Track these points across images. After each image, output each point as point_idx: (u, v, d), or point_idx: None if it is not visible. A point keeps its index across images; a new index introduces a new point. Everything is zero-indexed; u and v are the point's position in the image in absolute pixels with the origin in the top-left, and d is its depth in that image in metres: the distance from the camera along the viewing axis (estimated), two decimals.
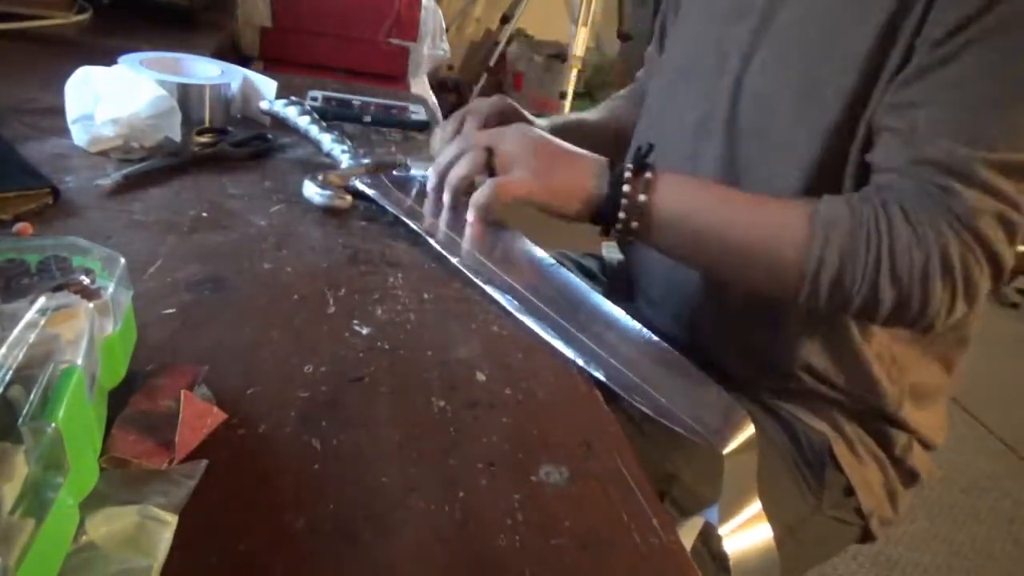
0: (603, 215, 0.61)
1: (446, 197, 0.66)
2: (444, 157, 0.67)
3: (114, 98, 0.67)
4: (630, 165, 0.60)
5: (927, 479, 0.74)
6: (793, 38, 0.64)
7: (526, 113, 0.81)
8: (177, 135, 0.72)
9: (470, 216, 0.64)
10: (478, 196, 0.63)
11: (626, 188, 0.59)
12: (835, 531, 0.70)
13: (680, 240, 0.61)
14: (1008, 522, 1.73)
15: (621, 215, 0.60)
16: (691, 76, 0.73)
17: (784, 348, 0.67)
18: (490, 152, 0.65)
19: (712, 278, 0.69)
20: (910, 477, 0.73)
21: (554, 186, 0.62)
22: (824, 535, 0.70)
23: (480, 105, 0.77)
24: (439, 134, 0.78)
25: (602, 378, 0.50)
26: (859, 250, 0.54)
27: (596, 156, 0.64)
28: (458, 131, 0.75)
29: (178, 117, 0.71)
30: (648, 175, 0.60)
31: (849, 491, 0.69)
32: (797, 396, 0.70)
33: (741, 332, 0.69)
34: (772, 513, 0.66)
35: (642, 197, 0.59)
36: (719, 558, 0.64)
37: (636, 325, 0.57)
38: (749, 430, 0.47)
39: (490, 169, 0.65)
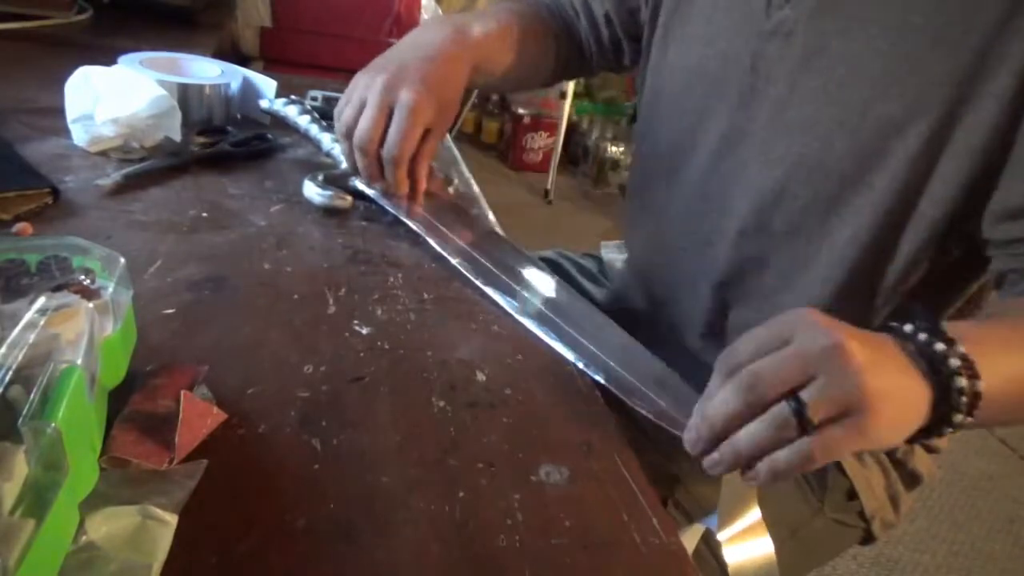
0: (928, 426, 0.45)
1: (359, 160, 0.65)
2: (344, 120, 0.64)
3: (114, 98, 0.67)
4: (943, 348, 0.43)
5: (928, 480, 0.74)
6: (850, 70, 0.57)
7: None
8: (177, 135, 0.72)
9: None
10: (783, 462, 0.40)
11: (961, 384, 0.42)
12: (837, 533, 0.70)
13: (1009, 409, 0.49)
14: (1008, 522, 1.73)
15: (957, 418, 0.43)
16: (713, 84, 0.67)
17: None
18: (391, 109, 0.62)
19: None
20: (912, 479, 0.73)
21: (884, 432, 0.41)
22: (826, 537, 0.70)
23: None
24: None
25: (602, 380, 0.49)
26: None
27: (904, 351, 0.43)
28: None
29: (178, 117, 0.71)
30: (963, 352, 0.43)
31: (851, 494, 0.68)
32: None
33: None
34: (774, 514, 0.66)
35: (978, 384, 0.43)
36: (721, 559, 0.64)
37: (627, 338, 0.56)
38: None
39: None
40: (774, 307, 0.67)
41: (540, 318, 0.56)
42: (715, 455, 0.41)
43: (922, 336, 0.43)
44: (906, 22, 0.54)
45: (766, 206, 0.63)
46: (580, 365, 0.51)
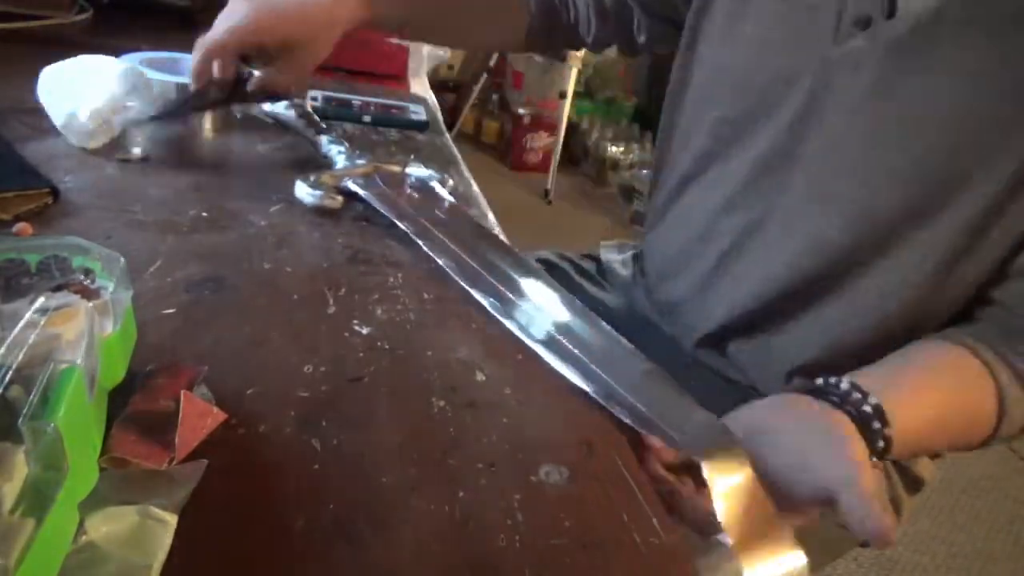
0: None
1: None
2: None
3: (88, 88, 0.67)
4: (859, 397, 0.49)
5: (929, 483, 0.74)
6: (920, 117, 0.54)
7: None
8: (152, 110, 0.71)
9: None
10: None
11: (875, 427, 0.48)
12: (838, 536, 0.70)
13: (924, 446, 0.58)
14: (1008, 522, 1.73)
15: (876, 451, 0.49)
16: (761, 98, 0.64)
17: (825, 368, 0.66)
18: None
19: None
20: (914, 484, 0.73)
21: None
22: (828, 540, 0.70)
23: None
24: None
25: (583, 386, 0.48)
26: None
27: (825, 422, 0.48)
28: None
29: (151, 90, 0.70)
30: (882, 444, 0.48)
31: None
32: None
33: (784, 357, 0.67)
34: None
35: (888, 431, 0.48)
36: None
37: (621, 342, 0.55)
38: (739, 453, 0.43)
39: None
40: (783, 332, 0.66)
41: (529, 324, 0.55)
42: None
43: (841, 388, 0.49)
44: (996, 75, 0.51)
45: (801, 246, 0.62)
46: (563, 369, 0.50)
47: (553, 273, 0.88)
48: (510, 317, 0.55)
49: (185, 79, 0.75)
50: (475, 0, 0.80)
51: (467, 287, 0.57)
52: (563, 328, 0.55)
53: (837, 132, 0.58)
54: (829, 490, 0.44)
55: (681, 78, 0.73)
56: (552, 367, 0.51)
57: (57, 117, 0.67)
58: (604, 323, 0.56)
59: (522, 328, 0.54)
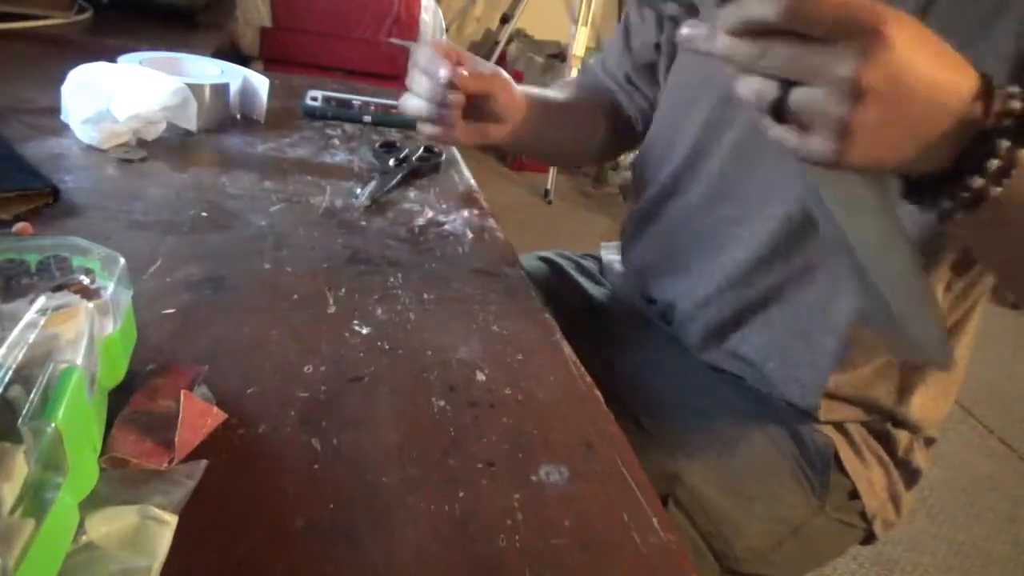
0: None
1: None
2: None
3: (129, 93, 0.68)
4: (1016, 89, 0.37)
5: (925, 473, 0.74)
6: None
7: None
8: (193, 125, 0.73)
9: None
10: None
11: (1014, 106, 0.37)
12: (838, 532, 0.70)
13: None
14: (1008, 522, 1.73)
15: (1000, 151, 0.37)
16: (724, 92, 0.66)
17: (824, 370, 0.66)
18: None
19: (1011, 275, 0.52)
20: (912, 477, 0.73)
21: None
22: (827, 536, 0.70)
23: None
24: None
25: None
26: None
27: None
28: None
29: (194, 107, 0.72)
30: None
31: (853, 494, 0.69)
32: None
33: (790, 357, 0.67)
34: (775, 512, 0.66)
35: None
36: (721, 558, 0.64)
37: None
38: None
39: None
40: (785, 316, 0.67)
41: None
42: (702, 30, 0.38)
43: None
44: None
45: (779, 232, 0.63)
46: None
47: (554, 269, 0.88)
48: None
49: (185, 80, 0.75)
50: (566, 124, 0.83)
51: None
52: None
53: None
54: None
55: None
56: (553, 366, 0.51)
57: (80, 112, 0.68)
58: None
59: None
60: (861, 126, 0.35)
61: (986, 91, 0.37)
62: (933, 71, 0.36)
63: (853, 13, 0.34)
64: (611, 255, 0.91)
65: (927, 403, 0.69)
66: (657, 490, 0.59)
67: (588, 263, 0.92)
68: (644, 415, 0.67)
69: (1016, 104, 0.36)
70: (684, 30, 0.39)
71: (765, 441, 0.67)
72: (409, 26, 2.01)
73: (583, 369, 0.52)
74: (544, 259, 0.90)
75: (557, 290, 0.85)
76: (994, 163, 0.37)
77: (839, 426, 0.69)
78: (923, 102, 0.36)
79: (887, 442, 0.71)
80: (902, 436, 0.71)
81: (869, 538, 0.72)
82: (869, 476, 0.69)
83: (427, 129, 0.66)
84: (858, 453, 0.69)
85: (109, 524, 0.31)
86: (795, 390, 0.67)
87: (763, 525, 0.65)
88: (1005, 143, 0.36)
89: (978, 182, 0.37)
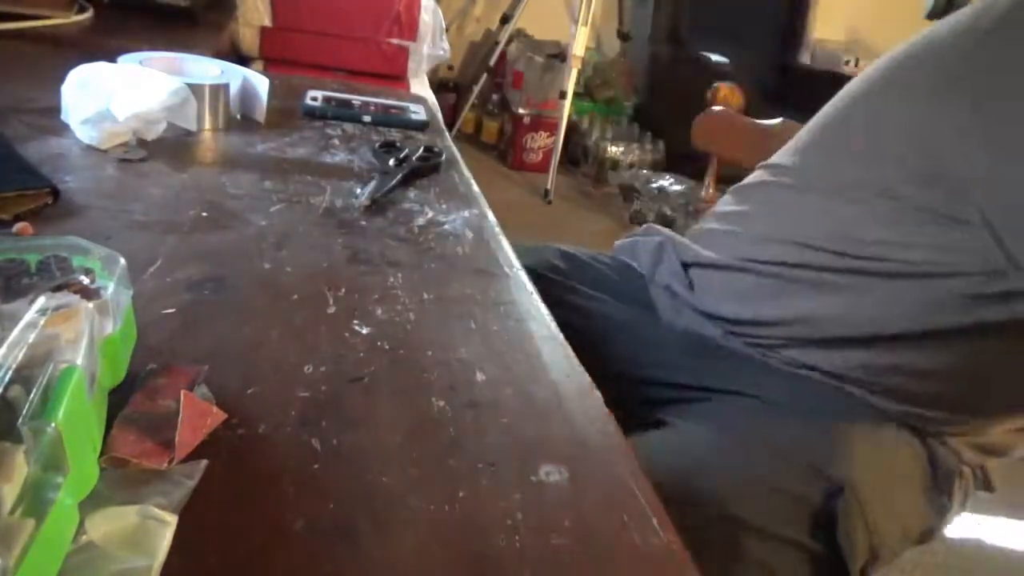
0: None
1: None
2: None
3: (130, 92, 0.68)
4: None
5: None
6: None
7: None
8: (193, 125, 0.73)
9: None
10: None
11: None
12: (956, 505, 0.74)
13: None
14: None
15: None
16: None
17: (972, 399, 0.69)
18: None
19: None
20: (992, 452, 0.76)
21: None
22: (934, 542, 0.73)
23: None
24: None
25: None
26: None
27: None
28: None
29: (194, 107, 0.72)
30: None
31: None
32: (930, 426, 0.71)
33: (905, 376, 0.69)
34: (907, 521, 0.68)
35: None
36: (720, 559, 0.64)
37: None
38: None
39: None
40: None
41: None
42: None
43: None
44: None
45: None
46: None
47: (570, 263, 0.90)
48: None
49: (185, 80, 0.75)
50: None
51: None
52: None
53: None
54: None
55: None
56: (553, 366, 0.51)
57: (80, 112, 0.68)
58: None
59: None
60: None
61: None
62: None
63: None
64: (623, 256, 0.92)
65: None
66: (828, 482, 0.62)
67: (604, 259, 0.93)
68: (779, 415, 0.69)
69: None
70: None
71: (908, 451, 0.69)
72: (409, 26, 2.01)
73: (583, 369, 0.52)
74: (562, 251, 0.92)
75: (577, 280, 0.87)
76: None
77: (958, 454, 0.72)
78: None
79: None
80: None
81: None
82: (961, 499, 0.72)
83: None
84: (962, 477, 0.72)
85: (109, 524, 0.31)
86: None
87: (900, 531, 0.67)
88: None
89: None
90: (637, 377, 0.79)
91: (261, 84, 0.84)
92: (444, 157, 0.84)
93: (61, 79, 0.69)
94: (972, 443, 0.71)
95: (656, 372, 0.78)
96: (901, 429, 0.70)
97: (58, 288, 0.36)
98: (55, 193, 0.57)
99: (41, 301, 0.34)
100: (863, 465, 0.65)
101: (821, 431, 0.67)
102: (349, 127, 0.90)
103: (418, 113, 0.98)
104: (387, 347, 0.49)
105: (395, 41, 1.99)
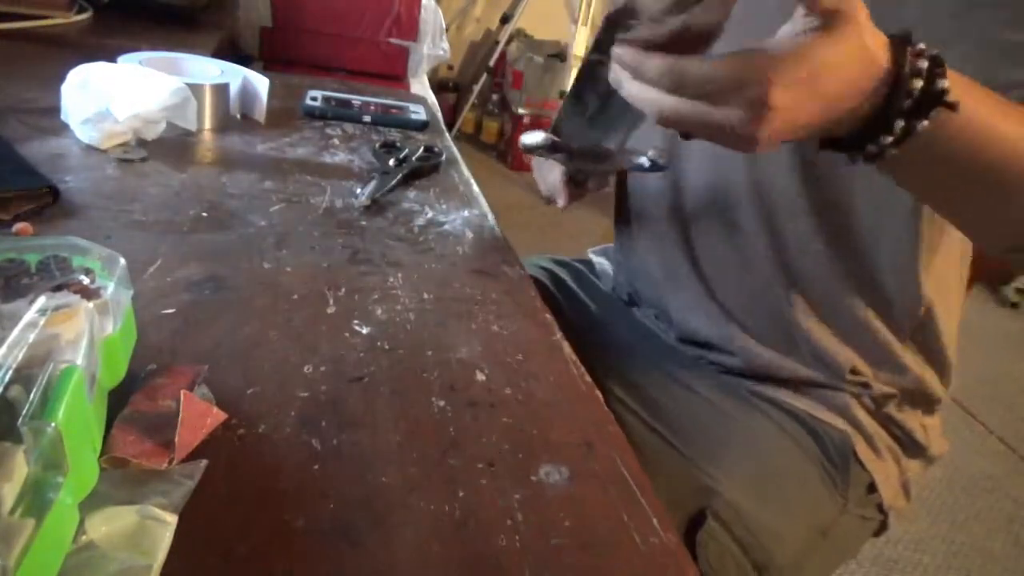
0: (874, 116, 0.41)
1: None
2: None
3: (130, 93, 0.68)
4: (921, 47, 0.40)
5: (938, 458, 0.74)
6: None
7: None
8: (193, 125, 0.74)
9: None
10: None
11: (920, 65, 0.39)
12: (859, 528, 0.70)
13: (967, 164, 0.43)
14: (1008, 522, 1.73)
15: (907, 103, 0.39)
16: None
17: (834, 345, 0.67)
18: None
19: (946, 212, 0.51)
20: (927, 461, 0.74)
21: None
22: (850, 533, 0.70)
23: None
24: None
25: None
26: None
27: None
28: None
29: (194, 107, 0.72)
30: (935, 54, 0.40)
31: (871, 487, 0.69)
32: (813, 391, 0.70)
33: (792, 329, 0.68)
34: (806, 518, 0.66)
35: (942, 83, 0.39)
36: (761, 570, 0.63)
37: None
38: None
39: None
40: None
41: None
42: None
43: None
44: None
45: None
46: None
47: (549, 279, 0.89)
48: None
49: (185, 80, 0.75)
50: None
51: None
52: None
53: None
54: None
55: None
56: (553, 366, 0.51)
57: (80, 112, 0.68)
58: None
59: None
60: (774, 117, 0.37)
61: (897, 60, 0.39)
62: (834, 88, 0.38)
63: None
64: (600, 259, 0.92)
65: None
66: (694, 505, 0.58)
67: (581, 267, 0.93)
68: (671, 432, 0.67)
69: (923, 63, 0.39)
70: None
71: (790, 442, 0.67)
72: (409, 26, 2.01)
73: (583, 369, 0.52)
74: (541, 267, 0.91)
75: (558, 300, 0.86)
76: (907, 103, 0.39)
77: (853, 421, 0.69)
78: (824, 114, 0.39)
79: (898, 430, 0.71)
80: (913, 423, 0.71)
81: (882, 529, 0.73)
82: (885, 468, 0.69)
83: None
84: (873, 446, 0.69)
85: (109, 524, 0.31)
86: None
87: (799, 531, 0.65)
88: (918, 82, 0.39)
89: (899, 124, 0.40)
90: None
91: (261, 84, 0.84)
92: (444, 157, 0.84)
93: (61, 79, 0.69)
94: (894, 395, 0.69)
95: (649, 372, 0.78)
96: (781, 417, 0.69)
97: (58, 288, 0.36)
98: (55, 193, 0.57)
99: (41, 301, 0.34)
100: (729, 477, 0.63)
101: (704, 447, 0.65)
102: (349, 127, 0.90)
103: (418, 113, 0.98)
104: (387, 347, 0.49)
105: (395, 41, 1.99)
